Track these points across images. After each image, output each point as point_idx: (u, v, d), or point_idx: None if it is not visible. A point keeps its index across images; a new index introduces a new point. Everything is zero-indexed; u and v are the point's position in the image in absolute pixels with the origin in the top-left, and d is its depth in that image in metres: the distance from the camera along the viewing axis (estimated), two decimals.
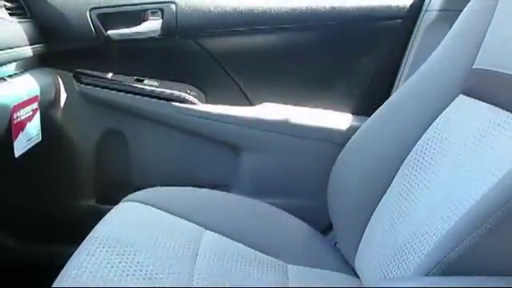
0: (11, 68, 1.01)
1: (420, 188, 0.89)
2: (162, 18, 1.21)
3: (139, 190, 1.13)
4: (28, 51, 1.06)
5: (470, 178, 0.76)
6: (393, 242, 0.86)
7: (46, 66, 1.19)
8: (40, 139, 1.10)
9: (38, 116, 1.06)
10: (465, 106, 0.91)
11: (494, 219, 0.59)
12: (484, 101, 0.87)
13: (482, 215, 0.60)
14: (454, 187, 0.78)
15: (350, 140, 1.11)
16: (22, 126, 0.99)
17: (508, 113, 0.79)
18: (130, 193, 1.12)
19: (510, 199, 0.59)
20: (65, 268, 0.84)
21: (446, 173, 0.85)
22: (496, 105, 0.83)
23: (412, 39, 1.25)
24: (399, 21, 1.25)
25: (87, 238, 0.92)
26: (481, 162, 0.76)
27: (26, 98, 1.00)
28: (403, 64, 1.27)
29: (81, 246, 0.90)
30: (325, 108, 1.31)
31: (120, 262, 0.84)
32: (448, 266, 0.59)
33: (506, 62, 0.86)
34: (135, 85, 1.26)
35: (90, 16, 1.18)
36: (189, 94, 1.27)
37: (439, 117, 0.96)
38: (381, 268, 0.87)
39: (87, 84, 1.25)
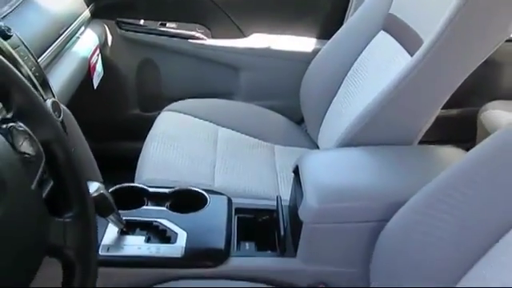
0: (81, 28, 1.37)
1: (352, 94, 1.26)
2: None
3: (169, 100, 1.48)
4: (87, 12, 1.41)
5: (375, 89, 1.08)
6: (335, 127, 1.23)
7: (96, 18, 1.50)
8: (103, 73, 1.49)
9: (100, 58, 1.45)
10: (382, 40, 1.24)
11: (375, 113, 0.99)
12: (394, 38, 1.19)
13: (371, 108, 1.01)
14: (368, 94, 1.11)
15: (314, 58, 1.43)
16: (94, 67, 1.37)
17: (404, 50, 1.12)
18: (163, 103, 1.48)
19: (385, 98, 0.99)
20: (141, 157, 1.23)
21: (366, 85, 1.22)
22: (399, 42, 1.16)
23: None
24: None
25: (148, 137, 1.31)
26: (383, 80, 1.09)
27: (93, 48, 1.37)
28: (351, 2, 1.55)
29: (145, 143, 1.28)
30: (296, 35, 1.62)
31: (172, 150, 1.24)
32: (347, 141, 1.02)
33: (405, 12, 1.18)
34: (160, 28, 1.59)
35: None
36: (199, 32, 1.59)
37: (368, 45, 1.29)
38: (328, 144, 1.26)
39: (126, 29, 1.58)
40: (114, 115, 1.67)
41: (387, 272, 0.76)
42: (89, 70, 1.33)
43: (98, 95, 1.49)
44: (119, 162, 1.26)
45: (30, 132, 0.55)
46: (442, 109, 1.79)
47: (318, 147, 1.38)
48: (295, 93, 1.48)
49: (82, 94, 1.38)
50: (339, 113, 1.29)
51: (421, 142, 1.37)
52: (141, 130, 1.40)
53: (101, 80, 1.48)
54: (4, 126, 0.53)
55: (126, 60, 1.63)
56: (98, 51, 1.41)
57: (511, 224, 0.62)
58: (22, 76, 0.57)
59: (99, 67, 1.43)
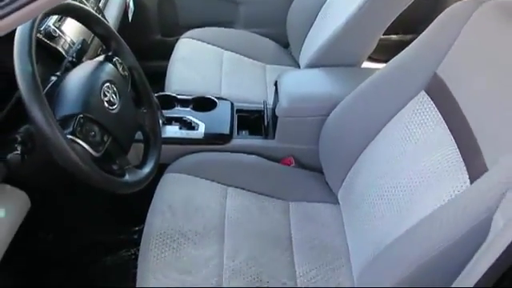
0: None
1: (323, 26, 1.58)
2: None
3: (184, 28, 1.85)
4: None
5: (337, 23, 1.52)
6: (310, 51, 1.56)
7: None
8: (134, 8, 1.87)
9: None
10: None
11: (332, 42, 1.40)
12: None
13: (330, 38, 1.44)
14: (331, 26, 1.51)
15: None
16: (128, 5, 1.75)
17: None
18: (179, 30, 1.86)
19: (339, 31, 1.40)
20: (168, 74, 1.62)
21: (332, 20, 1.58)
22: None
23: None
24: None
25: (171, 60, 1.70)
26: (342, 17, 1.52)
27: None
28: None
29: (169, 64, 1.67)
30: None
31: (190, 69, 1.64)
32: (313, 62, 1.45)
33: None
34: None
35: None
36: None
37: None
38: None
39: None
40: (142, 40, 2.00)
41: (327, 146, 1.23)
42: (125, 8, 1.71)
43: (129, 25, 1.83)
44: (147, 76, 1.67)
45: (123, 62, 1.00)
46: (398, 34, 2.22)
47: (299, 66, 1.74)
48: (283, 22, 1.84)
49: (120, 25, 1.78)
50: (314, 40, 1.66)
51: (381, 61, 1.76)
52: (163, 51, 1.78)
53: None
54: (112, 59, 0.97)
55: None
56: None
57: (397, 110, 1.05)
58: (114, 30, 1.00)
59: (132, 4, 1.80)
